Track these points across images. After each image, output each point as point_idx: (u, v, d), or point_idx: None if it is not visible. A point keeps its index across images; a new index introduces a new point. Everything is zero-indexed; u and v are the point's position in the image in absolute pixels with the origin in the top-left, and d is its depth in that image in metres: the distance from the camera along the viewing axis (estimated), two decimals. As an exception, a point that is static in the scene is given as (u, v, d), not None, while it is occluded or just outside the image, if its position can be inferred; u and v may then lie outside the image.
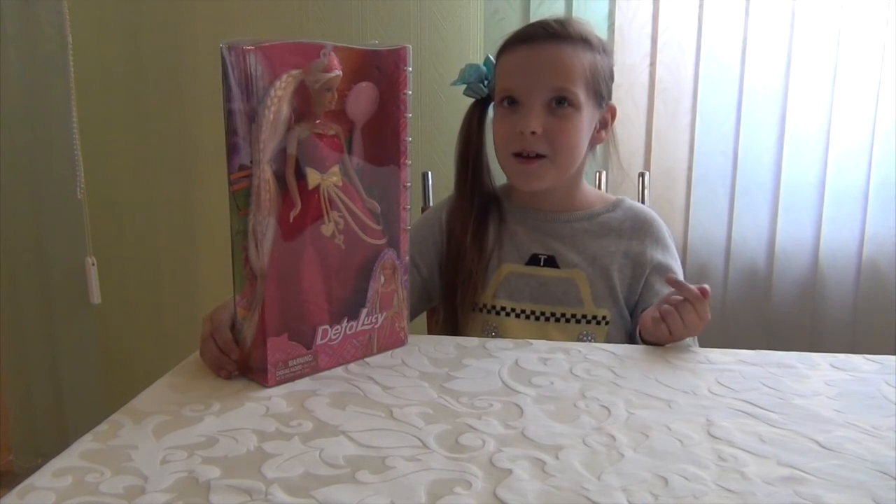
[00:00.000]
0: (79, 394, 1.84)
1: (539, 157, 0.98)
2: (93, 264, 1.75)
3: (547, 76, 0.97)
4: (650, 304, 0.94)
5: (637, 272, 1.03)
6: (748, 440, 0.62)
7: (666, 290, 0.96)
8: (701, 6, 1.54)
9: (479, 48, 1.60)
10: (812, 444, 0.62)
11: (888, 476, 0.56)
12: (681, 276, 1.01)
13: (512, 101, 0.99)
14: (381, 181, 0.80)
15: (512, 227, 1.06)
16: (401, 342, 0.86)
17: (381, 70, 0.77)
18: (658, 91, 1.58)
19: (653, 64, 1.58)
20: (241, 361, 0.76)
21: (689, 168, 1.61)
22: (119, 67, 1.71)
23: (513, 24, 1.64)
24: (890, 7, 1.48)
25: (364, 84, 0.76)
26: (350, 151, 0.77)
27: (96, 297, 1.76)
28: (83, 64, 1.68)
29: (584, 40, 0.99)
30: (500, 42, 1.03)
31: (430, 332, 1.14)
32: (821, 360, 0.82)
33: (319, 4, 1.62)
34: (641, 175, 1.33)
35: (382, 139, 0.79)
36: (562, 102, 0.97)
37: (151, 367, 0.82)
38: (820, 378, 0.77)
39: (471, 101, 1.08)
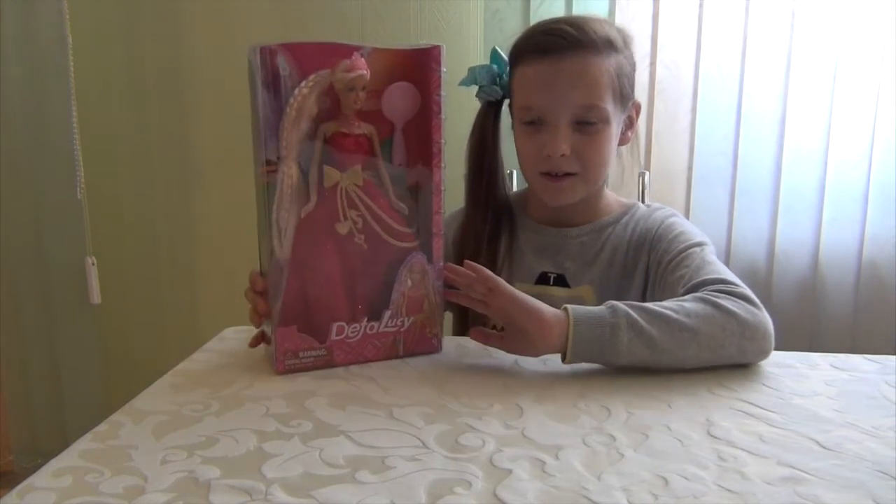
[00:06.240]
0: (79, 394, 1.84)
1: (568, 174, 0.94)
2: (93, 264, 1.75)
3: (572, 94, 0.90)
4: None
5: (655, 278, 0.96)
6: (748, 440, 0.62)
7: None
8: (701, 6, 1.54)
9: (479, 48, 1.60)
10: (812, 444, 0.62)
11: (888, 476, 0.56)
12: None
13: (535, 119, 0.94)
14: (421, 183, 0.79)
15: (522, 247, 1.03)
16: (433, 349, 0.83)
17: (414, 71, 0.76)
18: (658, 91, 1.58)
19: (653, 64, 1.58)
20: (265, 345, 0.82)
21: (689, 168, 1.61)
22: (119, 67, 1.71)
23: (513, 24, 1.64)
24: (890, 8, 1.48)
25: (399, 83, 0.76)
26: (390, 152, 0.77)
27: (96, 297, 1.76)
28: (83, 64, 1.68)
29: (607, 42, 0.91)
30: (510, 44, 0.97)
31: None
32: (821, 360, 0.82)
33: (319, 4, 1.61)
34: (641, 175, 1.33)
35: (418, 141, 0.78)
36: (590, 119, 0.92)
37: (151, 367, 0.82)
38: (820, 378, 0.77)
39: (472, 102, 1.02)
